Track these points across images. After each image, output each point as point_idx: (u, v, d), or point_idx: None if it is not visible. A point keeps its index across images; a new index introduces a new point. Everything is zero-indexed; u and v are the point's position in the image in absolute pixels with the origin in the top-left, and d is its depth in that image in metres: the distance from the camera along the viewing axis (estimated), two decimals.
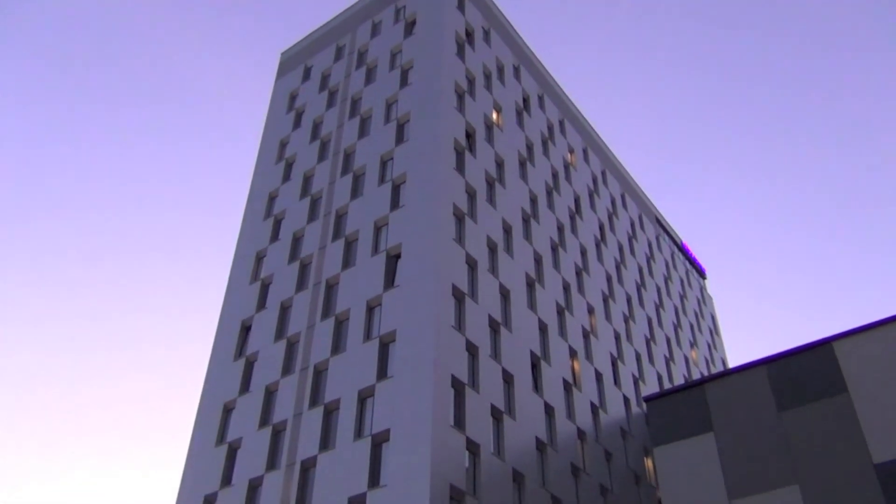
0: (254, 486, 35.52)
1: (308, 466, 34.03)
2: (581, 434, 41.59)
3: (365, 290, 37.54)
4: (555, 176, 54.17)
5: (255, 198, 50.53)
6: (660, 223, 75.31)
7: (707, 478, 13.57)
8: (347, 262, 40.28)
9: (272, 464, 35.56)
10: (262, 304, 43.29)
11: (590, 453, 41.64)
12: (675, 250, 76.67)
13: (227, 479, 36.96)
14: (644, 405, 51.20)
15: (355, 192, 43.36)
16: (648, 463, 48.76)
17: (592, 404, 44.28)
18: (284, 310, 41.63)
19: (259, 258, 46.28)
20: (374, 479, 31.14)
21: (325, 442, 34.16)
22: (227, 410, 40.02)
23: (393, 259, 37.85)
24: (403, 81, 46.55)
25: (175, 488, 39.54)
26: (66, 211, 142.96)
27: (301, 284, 41.86)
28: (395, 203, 40.14)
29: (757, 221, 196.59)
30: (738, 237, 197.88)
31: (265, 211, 48.72)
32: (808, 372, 13.38)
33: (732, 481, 13.18)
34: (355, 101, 49.11)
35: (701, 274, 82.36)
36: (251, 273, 45.52)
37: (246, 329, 43.05)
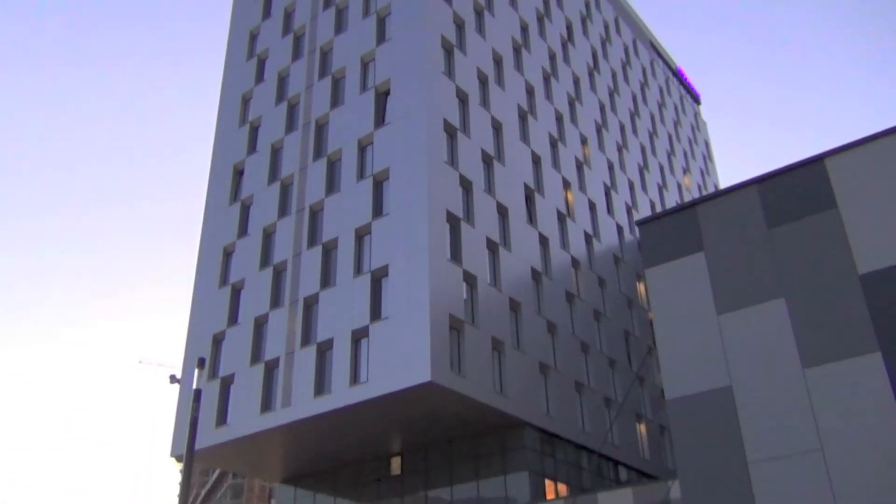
0: (259, 324, 36.74)
1: (311, 303, 35.04)
2: (575, 262, 42.56)
3: (355, 129, 37.09)
4: (545, 1, 52.04)
5: (237, 36, 48.72)
6: (654, 48, 73.28)
7: (697, 295, 13.98)
8: (336, 100, 39.50)
9: (275, 302, 36.59)
10: (252, 147, 42.87)
11: (584, 280, 42.82)
12: (670, 75, 75.11)
13: (233, 319, 38.17)
14: (637, 232, 52.09)
15: (339, 26, 41.79)
16: (640, 287, 50.28)
17: (586, 233, 45.02)
18: (275, 152, 41.29)
19: (245, 101, 45.30)
20: (375, 313, 32.18)
21: (326, 279, 34.99)
22: (227, 254, 40.66)
23: (382, 96, 37.10)
24: None
25: (185, 329, 40.88)
26: (65, 68, 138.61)
27: (290, 126, 41.26)
28: (380, 37, 38.80)
29: (751, 43, 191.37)
30: (732, 60, 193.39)
31: (247, 50, 47.13)
32: (798, 188, 13.45)
33: (721, 297, 13.58)
34: None
35: (695, 99, 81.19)
36: (239, 116, 44.72)
37: (239, 173, 42.88)
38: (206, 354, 37.88)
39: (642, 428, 42.75)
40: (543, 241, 40.18)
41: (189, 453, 15.98)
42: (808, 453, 11.92)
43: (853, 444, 11.62)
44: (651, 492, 27.97)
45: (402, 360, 29.83)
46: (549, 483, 34.21)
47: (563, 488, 34.73)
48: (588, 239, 45.19)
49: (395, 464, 37.37)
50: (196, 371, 16.99)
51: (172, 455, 36.73)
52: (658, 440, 43.56)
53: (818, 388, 12.16)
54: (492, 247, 35.64)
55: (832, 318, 12.45)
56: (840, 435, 11.75)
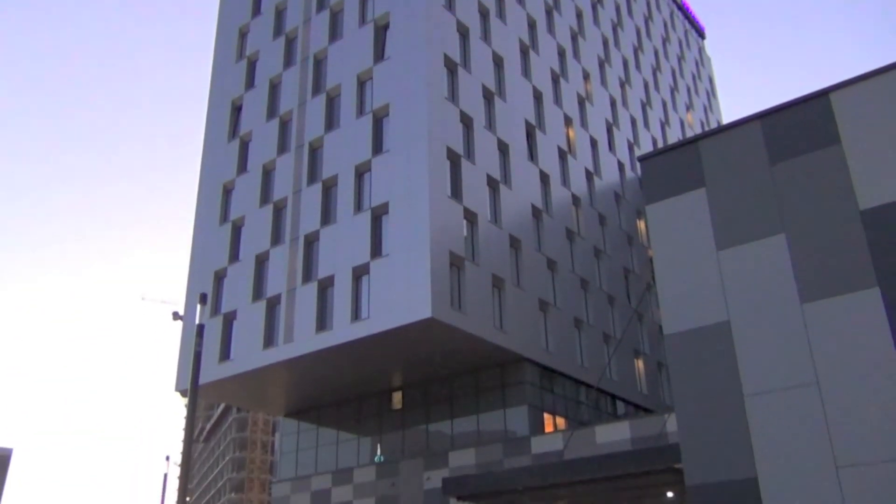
0: (260, 261, 36.88)
1: (311, 240, 35.10)
2: (576, 200, 42.45)
3: (355, 64, 36.54)
4: None
5: None
6: None
7: (697, 232, 13.97)
8: (334, 34, 38.80)
9: (276, 239, 36.65)
10: (250, 82, 42.29)
11: (584, 218, 42.78)
12: (675, 9, 73.59)
13: (234, 256, 38.28)
14: (638, 168, 51.79)
15: None
16: (641, 225, 50.27)
17: (587, 170, 44.77)
18: (274, 87, 40.77)
19: (242, 35, 44.49)
20: (375, 250, 32.26)
21: (326, 217, 34.97)
22: (227, 191, 40.54)
23: (381, 30, 36.43)
24: None
25: (186, 267, 41.04)
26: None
27: (288, 61, 40.62)
28: None
29: None
30: None
31: None
32: (802, 124, 13.30)
33: (721, 233, 13.58)
34: None
35: (700, 34, 79.71)
36: (236, 51, 43.99)
37: (237, 109, 42.42)
38: (207, 291, 38.08)
39: (640, 364, 43.31)
40: (544, 178, 39.99)
41: (193, 387, 16.21)
42: (803, 387, 12.08)
43: (848, 378, 11.77)
44: (647, 425, 28.49)
45: (402, 297, 30.03)
46: (547, 417, 34.84)
47: (561, 422, 35.38)
48: (589, 176, 44.97)
49: (397, 398, 38.01)
50: (198, 307, 17.12)
51: (177, 390, 37.30)
52: (655, 376, 44.18)
53: (815, 322, 12.25)
54: (492, 184, 35.50)
55: (832, 254, 12.45)
56: (835, 368, 11.89)
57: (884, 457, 11.01)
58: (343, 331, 31.87)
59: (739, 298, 13.09)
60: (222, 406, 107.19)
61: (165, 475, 38.39)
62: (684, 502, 16.30)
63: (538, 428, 33.62)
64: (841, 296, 12.10)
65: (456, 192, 32.85)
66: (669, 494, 17.86)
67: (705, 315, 13.42)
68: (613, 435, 29.13)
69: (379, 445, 37.66)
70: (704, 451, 12.81)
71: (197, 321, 16.62)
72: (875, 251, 11.99)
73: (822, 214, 12.64)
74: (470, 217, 33.31)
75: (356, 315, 31.82)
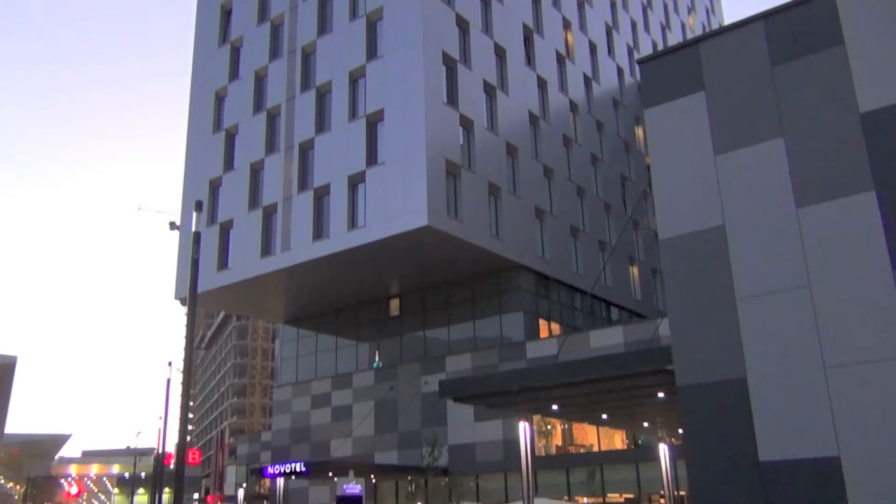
0: (255, 170, 36.65)
1: (306, 148, 34.81)
2: (573, 106, 41.88)
3: None
4: None
5: None
6: None
7: (695, 136, 13.83)
8: None
9: (271, 147, 36.33)
10: None
11: (582, 124, 42.31)
12: None
13: (228, 164, 38.01)
14: (637, 74, 50.91)
15: None
16: (639, 131, 49.79)
17: (585, 76, 43.99)
18: None
19: None
20: (371, 158, 32.03)
21: (321, 124, 34.56)
22: (220, 98, 39.89)
23: None
24: None
25: (181, 177, 40.81)
26: None
27: None
28: None
29: None
30: None
31: None
32: (806, 24, 12.98)
33: (720, 137, 13.45)
34: None
35: None
36: None
37: (227, 13, 41.26)
38: (203, 200, 38.00)
39: (634, 270, 43.71)
40: (542, 83, 39.32)
41: (192, 294, 16.34)
42: (795, 290, 12.23)
43: (840, 281, 11.90)
44: (640, 330, 29.01)
45: (398, 205, 30.01)
46: (542, 323, 35.41)
47: (556, 327, 35.99)
48: (587, 82, 44.21)
49: (394, 306, 38.51)
50: (194, 215, 17.08)
51: (177, 298, 37.70)
52: (649, 282, 44.68)
53: (810, 227, 12.29)
54: (489, 90, 34.94)
55: (830, 158, 12.39)
56: (828, 272, 12.01)
57: (870, 357, 11.27)
58: (340, 239, 31.98)
59: (735, 203, 13.08)
60: (222, 314, 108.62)
61: (168, 380, 39.20)
62: (675, 402, 16.75)
63: (533, 334, 34.22)
64: (837, 200, 12.10)
65: (452, 99, 32.37)
66: (660, 395, 18.34)
67: (701, 220, 13.44)
68: (607, 339, 29.71)
69: (377, 351, 38.39)
70: (696, 353, 13.08)
71: (193, 229, 16.62)
72: (873, 154, 11.92)
73: (821, 118, 12.49)
74: (466, 124, 32.94)
75: (353, 223, 31.86)
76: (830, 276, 11.77)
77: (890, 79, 11.93)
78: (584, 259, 39.11)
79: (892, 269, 11.20)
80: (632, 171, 46.91)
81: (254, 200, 36.23)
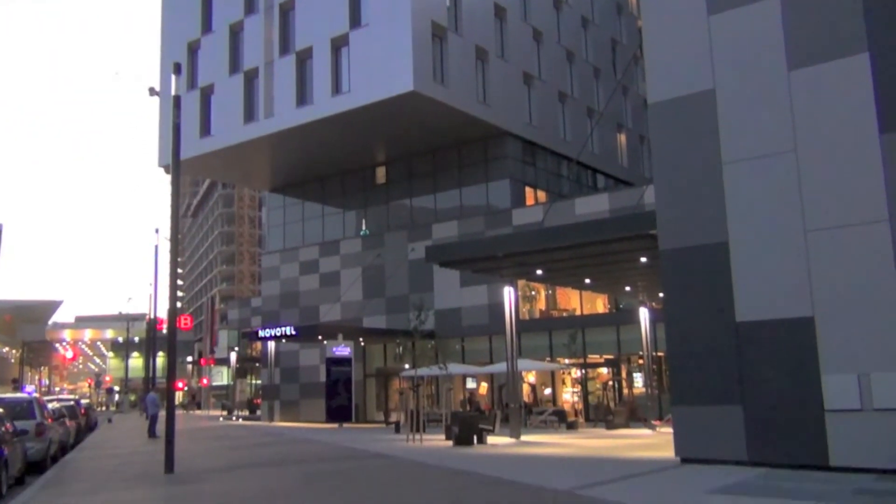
0: (235, 31, 35.45)
1: (287, 9, 33.55)
2: None
3: None
4: None
5: None
6: None
7: None
8: None
9: (250, 7, 35.02)
10: None
11: None
12: None
13: (206, 25, 36.69)
14: None
15: None
16: None
17: None
18: None
19: None
20: (355, 19, 30.97)
21: None
22: None
23: None
24: None
25: (158, 37, 39.40)
26: None
27: None
28: None
29: None
30: None
31: None
32: None
33: None
34: None
35: None
36: None
37: None
38: (182, 63, 36.95)
39: (622, 137, 43.42)
40: None
41: (175, 160, 16.14)
42: (781, 154, 12.21)
43: (825, 146, 11.88)
44: (626, 197, 29.15)
45: (383, 69, 29.31)
46: (529, 190, 35.46)
47: (542, 195, 36.08)
48: None
49: (381, 173, 38.34)
50: (173, 77, 16.63)
51: (160, 165, 37.32)
52: (637, 149, 44.49)
53: (800, 90, 12.12)
54: None
55: (825, 19, 12.06)
56: (814, 137, 11.96)
57: (851, 220, 11.42)
58: (324, 104, 31.40)
59: (726, 66, 12.85)
60: (207, 182, 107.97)
61: (156, 247, 39.54)
62: (656, 267, 17.08)
63: (520, 201, 34.33)
64: (829, 62, 11.88)
65: None
66: (643, 260, 18.64)
67: (691, 83, 13.24)
68: (592, 206, 29.88)
69: (364, 219, 38.55)
70: (679, 217, 13.20)
71: (172, 93, 16.21)
72: (869, 14, 11.62)
73: None
74: None
75: (337, 88, 31.20)
76: (817, 140, 11.74)
77: None
78: (571, 126, 38.71)
79: (878, 133, 11.16)
80: (623, 34, 45.67)
81: (234, 64, 35.23)
